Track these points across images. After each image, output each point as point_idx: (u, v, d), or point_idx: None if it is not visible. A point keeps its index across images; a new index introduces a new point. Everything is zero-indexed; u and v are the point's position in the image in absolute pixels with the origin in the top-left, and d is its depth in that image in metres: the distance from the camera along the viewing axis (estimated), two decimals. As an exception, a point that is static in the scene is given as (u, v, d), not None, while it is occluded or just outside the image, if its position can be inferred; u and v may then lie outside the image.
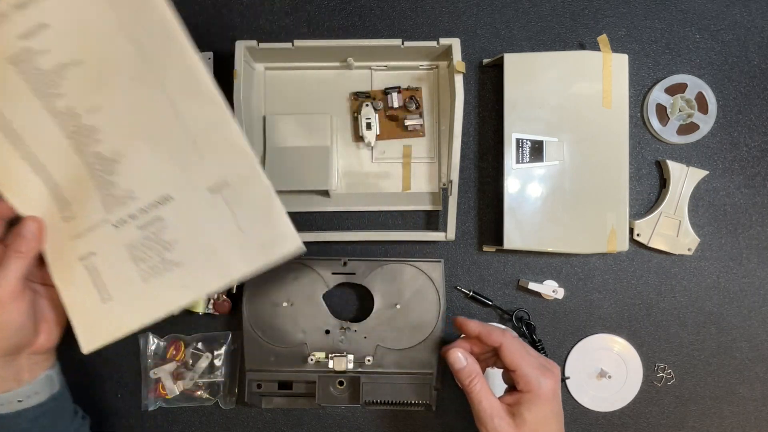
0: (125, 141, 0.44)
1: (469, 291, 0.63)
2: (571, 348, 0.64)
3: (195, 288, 0.46)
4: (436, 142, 0.63)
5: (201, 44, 0.65)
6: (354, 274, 0.60)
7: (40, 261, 0.47)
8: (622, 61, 0.60)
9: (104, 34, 0.43)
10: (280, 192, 0.63)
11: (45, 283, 0.48)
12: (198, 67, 0.43)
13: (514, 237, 0.60)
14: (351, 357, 0.59)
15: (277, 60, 0.62)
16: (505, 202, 0.60)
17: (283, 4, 0.65)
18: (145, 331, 0.62)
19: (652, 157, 0.64)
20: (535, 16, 0.65)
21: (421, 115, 0.63)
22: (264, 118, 0.62)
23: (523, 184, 0.60)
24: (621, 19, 0.65)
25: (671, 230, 0.62)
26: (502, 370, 0.55)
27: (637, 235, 0.62)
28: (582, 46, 0.65)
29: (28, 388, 0.47)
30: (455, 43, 0.57)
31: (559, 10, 0.65)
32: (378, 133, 0.62)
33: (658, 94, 0.63)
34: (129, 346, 0.62)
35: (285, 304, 0.60)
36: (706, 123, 0.63)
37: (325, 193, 0.62)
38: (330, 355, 0.59)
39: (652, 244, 0.63)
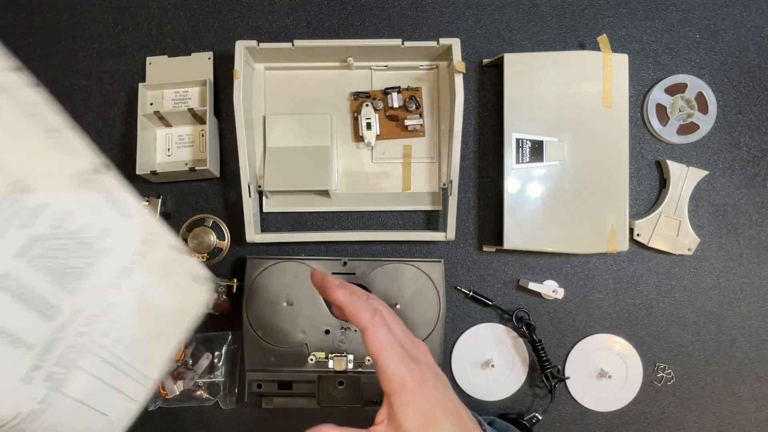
0: None
1: (469, 291, 0.63)
2: (571, 348, 0.64)
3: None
4: (436, 142, 0.63)
5: (201, 44, 0.66)
6: (354, 274, 0.60)
7: None
8: (622, 61, 0.60)
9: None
10: (280, 192, 0.63)
11: None
12: None
13: (514, 237, 0.60)
14: (351, 357, 0.59)
15: (277, 60, 0.62)
16: (505, 202, 0.60)
17: (283, 4, 0.65)
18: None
19: (652, 157, 0.64)
20: (535, 16, 0.65)
21: (421, 115, 0.63)
22: (264, 118, 0.62)
23: (523, 184, 0.60)
24: (621, 19, 0.65)
25: (671, 230, 0.62)
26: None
27: (637, 235, 0.62)
28: (582, 46, 0.65)
29: None
30: (455, 43, 0.57)
31: (559, 10, 0.65)
32: (378, 133, 0.62)
33: (658, 94, 0.63)
34: (129, 346, 0.62)
35: (285, 304, 0.60)
36: (706, 123, 0.63)
37: (325, 193, 0.62)
38: (330, 355, 0.59)
39: (652, 244, 0.63)
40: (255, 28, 0.65)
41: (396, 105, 0.62)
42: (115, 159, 0.65)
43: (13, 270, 0.30)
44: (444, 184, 0.61)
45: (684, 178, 0.62)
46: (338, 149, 0.63)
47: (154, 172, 0.60)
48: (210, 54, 0.64)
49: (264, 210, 0.64)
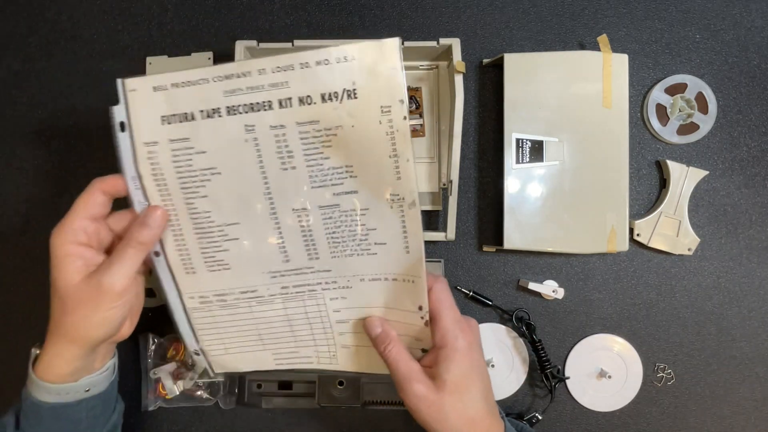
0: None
1: (469, 291, 0.63)
2: (571, 348, 0.64)
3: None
4: (436, 142, 0.63)
5: (201, 44, 0.66)
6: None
7: None
8: (622, 61, 0.60)
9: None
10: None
11: (138, 274, 0.46)
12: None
13: (514, 237, 0.60)
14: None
15: (277, 60, 0.62)
16: (505, 202, 0.60)
17: (283, 4, 0.65)
18: (145, 332, 0.62)
19: (652, 157, 0.64)
20: (535, 16, 0.65)
21: (421, 115, 0.63)
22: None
23: (523, 184, 0.60)
24: (621, 19, 0.65)
25: (671, 230, 0.62)
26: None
27: (637, 235, 0.62)
28: (582, 46, 0.65)
29: (96, 378, 0.46)
30: (455, 43, 0.57)
31: (559, 10, 0.65)
32: (378, 133, 0.62)
33: (658, 94, 0.63)
34: (129, 347, 0.62)
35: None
36: (706, 123, 0.63)
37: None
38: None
39: (652, 244, 0.63)
40: (255, 28, 0.65)
41: (396, 105, 0.62)
42: (115, 159, 0.65)
43: (311, 209, 0.44)
44: (444, 184, 0.61)
45: (684, 178, 0.62)
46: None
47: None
48: (210, 54, 0.64)
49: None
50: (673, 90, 0.63)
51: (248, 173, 0.43)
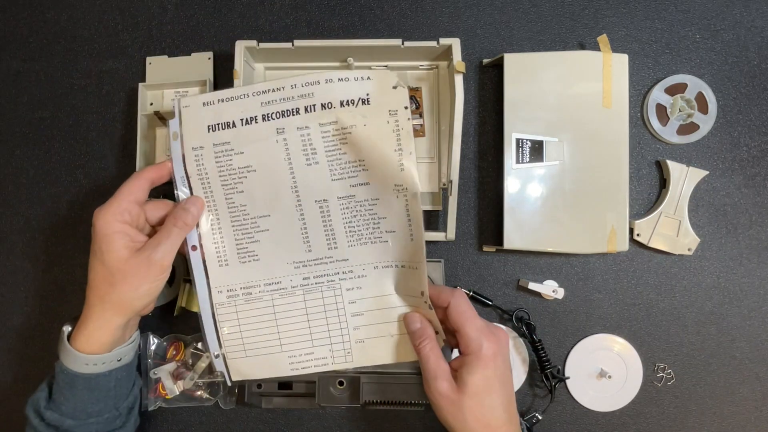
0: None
1: (469, 291, 0.63)
2: (571, 348, 0.64)
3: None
4: (436, 142, 0.63)
5: (201, 44, 0.66)
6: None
7: None
8: (622, 61, 0.60)
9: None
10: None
11: None
12: None
13: (514, 237, 0.60)
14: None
15: (277, 60, 0.62)
16: (505, 202, 0.60)
17: (283, 4, 0.65)
18: (145, 332, 0.62)
19: (652, 157, 0.64)
20: (535, 16, 0.65)
21: (421, 115, 0.63)
22: (264, 118, 0.62)
23: (523, 184, 0.60)
24: (621, 19, 0.65)
25: (671, 230, 0.62)
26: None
27: (637, 235, 0.62)
28: (582, 46, 0.65)
29: (125, 348, 0.51)
30: (455, 43, 0.57)
31: (559, 10, 0.65)
32: (378, 133, 0.62)
33: (658, 94, 0.63)
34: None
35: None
36: (706, 123, 0.63)
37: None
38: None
39: (652, 244, 0.63)
40: (255, 28, 0.65)
41: (396, 105, 0.62)
42: (115, 159, 0.65)
43: (331, 200, 0.51)
44: (444, 184, 0.61)
45: (684, 178, 0.62)
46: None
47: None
48: (210, 54, 0.64)
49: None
50: (673, 90, 0.63)
51: (279, 169, 0.50)
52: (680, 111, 0.63)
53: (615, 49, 0.61)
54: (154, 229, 0.51)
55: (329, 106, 0.49)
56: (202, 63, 0.64)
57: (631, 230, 0.62)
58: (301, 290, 0.52)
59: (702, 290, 0.64)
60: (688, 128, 0.63)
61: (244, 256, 0.52)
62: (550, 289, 0.62)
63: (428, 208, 0.63)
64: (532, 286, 0.62)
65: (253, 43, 0.58)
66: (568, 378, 0.63)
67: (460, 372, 0.47)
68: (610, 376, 0.63)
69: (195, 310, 0.60)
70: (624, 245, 0.60)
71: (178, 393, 0.61)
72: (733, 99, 0.64)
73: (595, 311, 0.64)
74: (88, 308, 0.49)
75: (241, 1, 0.65)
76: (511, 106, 0.60)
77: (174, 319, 0.61)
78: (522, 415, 0.63)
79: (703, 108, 0.63)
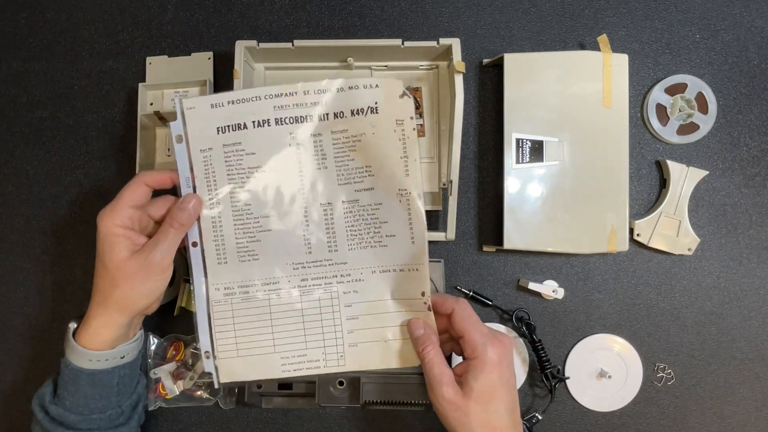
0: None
1: (469, 291, 0.63)
2: (571, 348, 0.64)
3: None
4: (436, 142, 0.63)
5: (201, 44, 0.66)
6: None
7: None
8: (622, 61, 0.60)
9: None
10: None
11: None
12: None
13: (514, 237, 0.60)
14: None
15: (277, 60, 0.62)
16: (505, 202, 0.60)
17: (283, 4, 0.65)
18: (145, 331, 0.62)
19: (652, 157, 0.64)
20: (535, 16, 0.65)
21: (421, 115, 0.63)
22: (264, 118, 0.63)
23: (523, 184, 0.60)
24: (621, 19, 0.65)
25: (671, 230, 0.62)
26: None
27: (637, 235, 0.62)
28: (582, 46, 0.65)
29: (129, 346, 0.52)
30: (455, 43, 0.57)
31: (559, 10, 0.65)
32: (378, 133, 0.62)
33: (658, 94, 0.63)
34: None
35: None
36: (706, 123, 0.63)
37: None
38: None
39: (652, 244, 0.63)
40: (255, 28, 0.65)
41: (396, 105, 0.62)
42: (115, 159, 0.65)
43: (335, 203, 0.51)
44: (444, 184, 0.61)
45: (684, 178, 0.62)
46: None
47: (154, 172, 0.60)
48: (210, 54, 0.64)
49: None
50: (673, 90, 0.63)
51: (288, 172, 0.51)
52: (680, 111, 0.63)
53: (615, 49, 0.61)
54: (157, 226, 0.51)
55: (341, 115, 0.50)
56: (202, 63, 0.64)
57: (631, 230, 0.62)
58: (298, 291, 0.53)
59: (702, 290, 0.64)
60: (688, 128, 0.63)
61: (243, 255, 0.52)
62: (550, 289, 0.62)
63: (428, 208, 0.63)
64: (532, 286, 0.62)
65: (253, 43, 0.58)
66: (568, 378, 0.63)
67: (465, 377, 0.48)
68: (610, 376, 0.63)
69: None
70: (624, 245, 0.60)
71: (178, 393, 0.61)
72: (733, 99, 0.64)
73: (595, 311, 0.64)
74: (93, 307, 0.50)
75: (241, 1, 0.65)
76: (511, 106, 0.60)
77: (174, 319, 0.61)
78: (522, 415, 0.63)
79: (703, 108, 0.63)
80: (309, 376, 0.54)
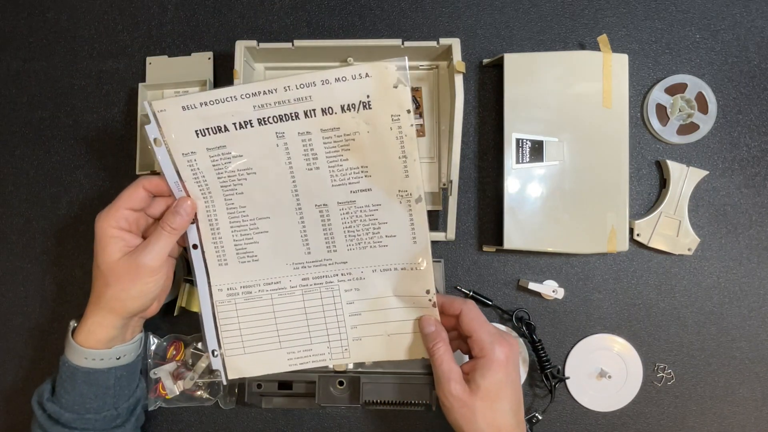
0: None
1: (469, 291, 0.63)
2: (571, 348, 0.64)
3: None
4: (436, 142, 0.63)
5: (201, 44, 0.66)
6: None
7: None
8: (622, 61, 0.60)
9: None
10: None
11: (169, 256, 0.52)
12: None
13: (514, 237, 0.60)
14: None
15: (277, 60, 0.62)
16: (505, 202, 0.60)
17: (283, 4, 0.65)
18: (145, 332, 0.62)
19: (652, 157, 0.64)
20: (535, 16, 0.65)
21: (421, 115, 0.63)
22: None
23: (523, 184, 0.60)
24: (621, 19, 0.65)
25: (671, 230, 0.62)
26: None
27: (637, 235, 0.62)
28: (582, 46, 0.65)
29: (126, 347, 0.52)
30: (455, 43, 0.57)
31: (559, 10, 0.65)
32: (378, 133, 0.62)
33: (658, 94, 0.63)
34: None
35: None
36: (706, 123, 0.63)
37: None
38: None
39: (652, 244, 0.63)
40: (255, 28, 0.65)
41: (396, 105, 0.62)
42: (115, 159, 0.65)
43: (331, 204, 0.50)
44: (444, 184, 0.61)
45: (684, 178, 0.62)
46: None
47: (154, 172, 0.60)
48: (210, 54, 0.64)
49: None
50: (673, 90, 0.63)
51: (279, 173, 0.49)
52: (680, 111, 0.63)
53: (615, 49, 0.61)
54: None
55: (330, 111, 0.47)
56: (202, 63, 0.64)
57: (631, 230, 0.62)
58: (300, 290, 0.53)
59: (702, 290, 0.64)
60: (688, 128, 0.63)
61: (243, 257, 0.52)
62: (550, 289, 0.62)
63: (428, 208, 0.63)
64: (532, 286, 0.62)
65: (253, 43, 0.58)
66: (568, 378, 0.63)
67: (472, 375, 0.49)
68: (610, 376, 0.63)
69: (195, 310, 0.60)
70: (624, 245, 0.60)
71: (178, 393, 0.61)
72: (733, 99, 0.64)
73: (595, 311, 0.64)
74: (88, 306, 0.51)
75: (241, 1, 0.65)
76: (511, 106, 0.60)
77: (174, 319, 0.61)
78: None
79: (703, 108, 0.63)
80: (315, 369, 0.54)
